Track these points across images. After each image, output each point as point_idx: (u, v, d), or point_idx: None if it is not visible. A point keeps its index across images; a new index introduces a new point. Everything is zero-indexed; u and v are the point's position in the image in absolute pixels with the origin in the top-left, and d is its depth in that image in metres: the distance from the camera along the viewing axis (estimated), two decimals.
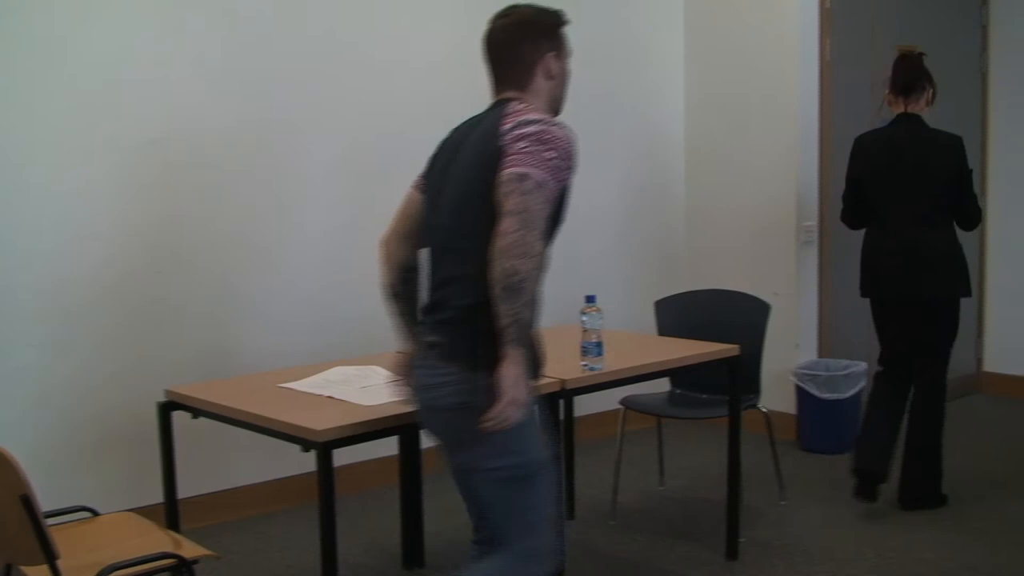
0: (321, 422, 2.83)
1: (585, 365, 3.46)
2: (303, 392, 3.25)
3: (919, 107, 4.43)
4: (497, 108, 2.67)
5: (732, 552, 4.02)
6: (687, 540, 4.26)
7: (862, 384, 5.48)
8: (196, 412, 3.28)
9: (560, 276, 5.58)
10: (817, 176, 5.71)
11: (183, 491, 3.43)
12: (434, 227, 2.72)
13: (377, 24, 4.90)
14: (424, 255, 2.78)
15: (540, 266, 2.46)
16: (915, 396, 4.52)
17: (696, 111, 6.11)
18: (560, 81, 2.78)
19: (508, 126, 2.54)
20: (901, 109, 4.44)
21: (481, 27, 2.78)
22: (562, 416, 3.58)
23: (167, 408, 3.33)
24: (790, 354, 5.63)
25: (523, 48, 2.72)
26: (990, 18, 6.59)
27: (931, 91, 4.45)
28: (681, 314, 4.72)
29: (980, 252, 6.49)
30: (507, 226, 2.40)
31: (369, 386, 3.27)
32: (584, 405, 4.69)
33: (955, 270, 4.42)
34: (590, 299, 3.52)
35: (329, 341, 4.66)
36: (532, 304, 2.47)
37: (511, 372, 2.43)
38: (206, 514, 4.38)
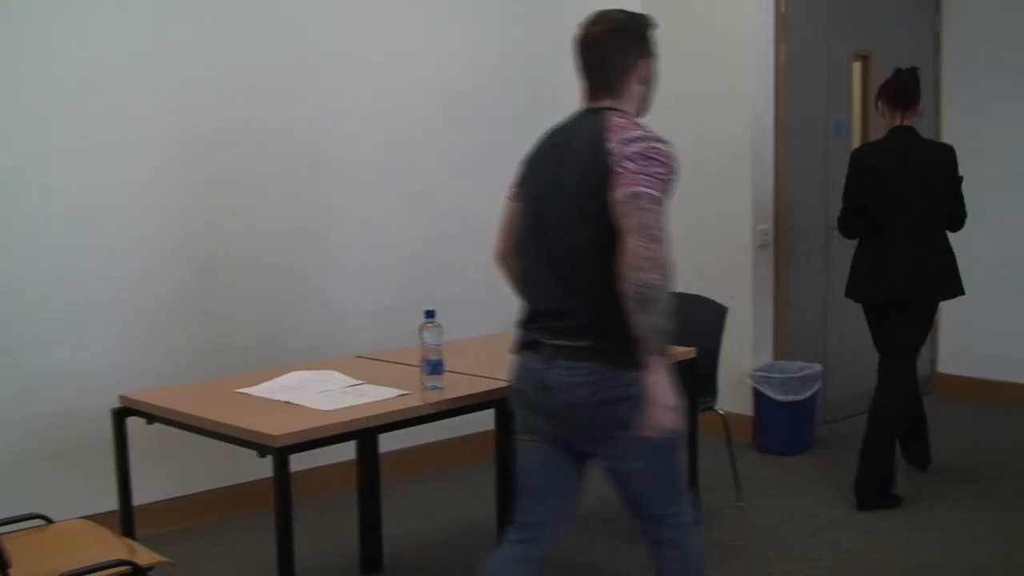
0: (277, 427, 2.81)
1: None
2: (259, 397, 3.23)
3: (913, 120, 4.65)
4: (595, 118, 2.77)
5: None
6: None
7: (818, 386, 5.53)
8: (151, 418, 3.25)
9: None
10: (772, 180, 5.75)
11: (139, 498, 3.40)
12: (540, 235, 2.82)
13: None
14: (524, 256, 2.90)
15: (668, 275, 2.59)
16: (877, 396, 4.62)
17: (651, 114, 6.12)
18: (650, 85, 2.90)
19: (614, 143, 2.66)
20: (897, 122, 4.67)
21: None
22: None
23: (121, 414, 3.30)
24: (746, 356, 5.67)
25: (617, 55, 2.81)
26: (942, 24, 6.68)
27: (921, 104, 4.70)
28: None
29: None
30: (631, 243, 2.56)
31: (326, 391, 3.25)
32: None
33: (953, 270, 4.66)
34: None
35: (289, 347, 4.65)
36: (667, 312, 2.59)
37: (656, 379, 2.60)
38: (162, 520, 4.34)
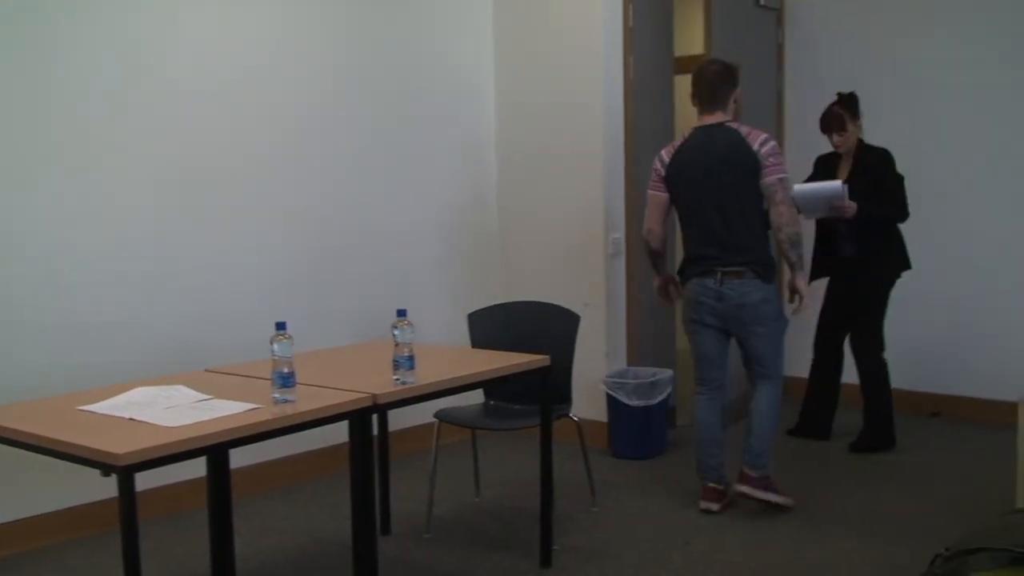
0: (122, 445, 2.72)
1: (397, 379, 3.46)
2: (103, 415, 3.13)
3: None
4: (729, 131, 4.50)
5: (546, 560, 4.08)
6: (502, 550, 4.30)
7: (669, 390, 5.64)
8: None
9: (373, 290, 5.59)
10: (623, 189, 5.85)
11: None
12: (711, 206, 4.51)
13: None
14: (695, 219, 4.59)
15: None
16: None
17: (507, 129, 6.19)
18: (738, 104, 4.63)
19: (756, 146, 4.42)
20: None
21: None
22: (376, 431, 3.55)
23: None
24: (600, 363, 5.75)
25: (727, 85, 4.58)
26: (785, 37, 6.90)
27: None
28: (494, 326, 4.76)
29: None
30: (783, 209, 4.43)
31: (173, 407, 3.17)
32: (399, 419, 4.68)
33: None
34: (401, 313, 3.52)
35: (131, 359, 4.52)
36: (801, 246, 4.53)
37: (802, 283, 4.59)
38: (3, 544, 4.18)
